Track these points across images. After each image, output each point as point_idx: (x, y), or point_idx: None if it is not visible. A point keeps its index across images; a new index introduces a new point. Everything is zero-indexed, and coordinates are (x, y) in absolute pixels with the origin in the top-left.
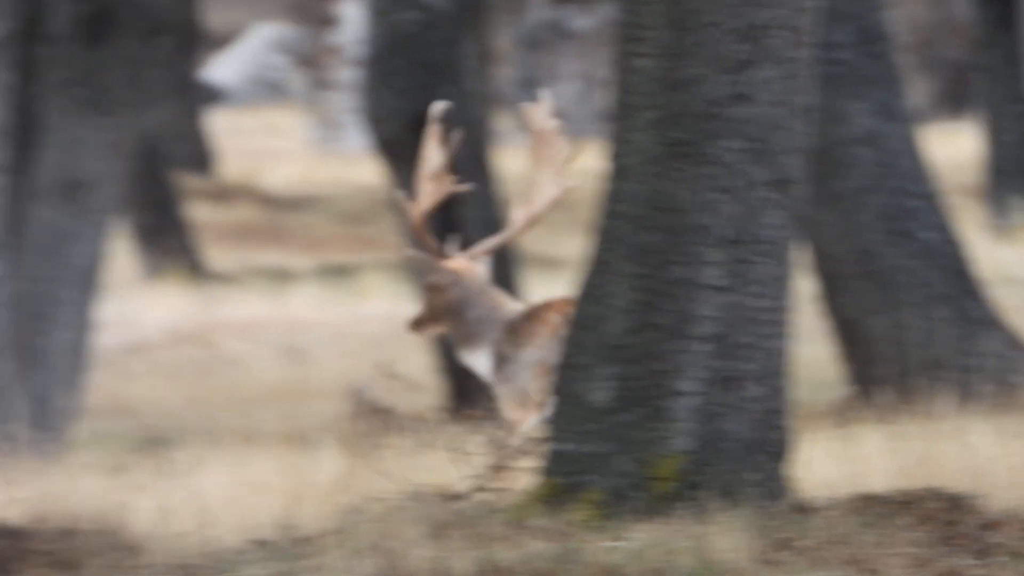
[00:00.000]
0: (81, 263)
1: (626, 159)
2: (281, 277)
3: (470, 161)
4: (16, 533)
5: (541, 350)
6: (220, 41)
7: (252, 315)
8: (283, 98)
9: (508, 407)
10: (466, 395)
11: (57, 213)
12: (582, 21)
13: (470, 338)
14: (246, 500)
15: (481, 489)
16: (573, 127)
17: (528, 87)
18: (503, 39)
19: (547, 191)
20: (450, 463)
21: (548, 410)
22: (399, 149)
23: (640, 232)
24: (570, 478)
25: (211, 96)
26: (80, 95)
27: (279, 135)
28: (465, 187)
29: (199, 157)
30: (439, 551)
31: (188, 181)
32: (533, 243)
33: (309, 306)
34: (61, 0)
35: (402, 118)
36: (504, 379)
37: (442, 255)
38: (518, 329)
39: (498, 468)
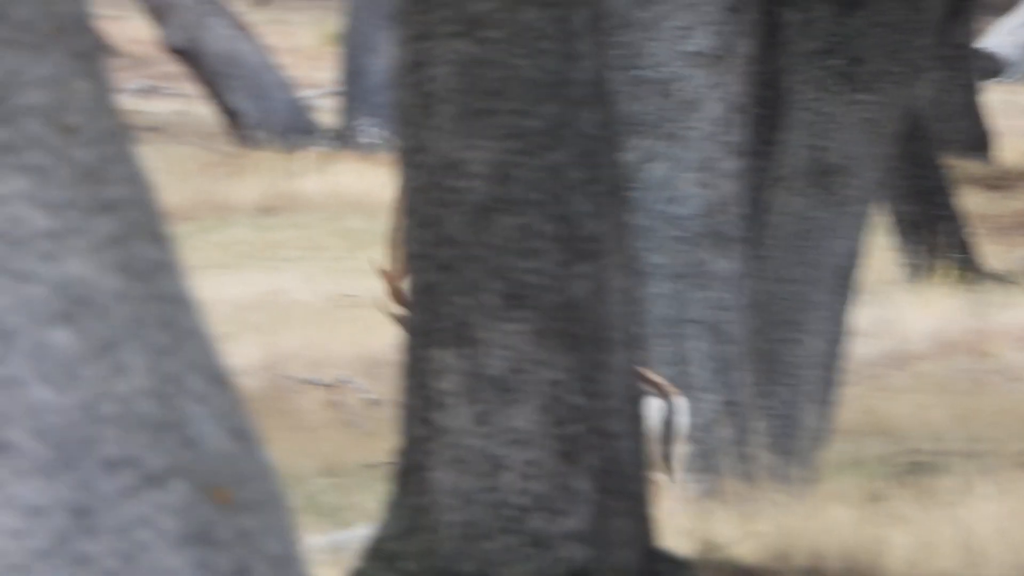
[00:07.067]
0: (836, 261)
1: None
2: None
3: None
4: (751, 573)
5: None
6: (999, 6)
7: None
8: None
9: None
10: None
11: (807, 203)
12: None
13: None
14: (1018, 534)
15: None
16: None
17: None
18: None
19: None
20: None
21: None
22: None
23: None
24: None
25: (990, 69)
26: (834, 67)
27: None
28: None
29: (975, 139)
30: None
31: (962, 166)
32: None
33: None
34: None
35: None
36: None
37: None
38: None
39: None
